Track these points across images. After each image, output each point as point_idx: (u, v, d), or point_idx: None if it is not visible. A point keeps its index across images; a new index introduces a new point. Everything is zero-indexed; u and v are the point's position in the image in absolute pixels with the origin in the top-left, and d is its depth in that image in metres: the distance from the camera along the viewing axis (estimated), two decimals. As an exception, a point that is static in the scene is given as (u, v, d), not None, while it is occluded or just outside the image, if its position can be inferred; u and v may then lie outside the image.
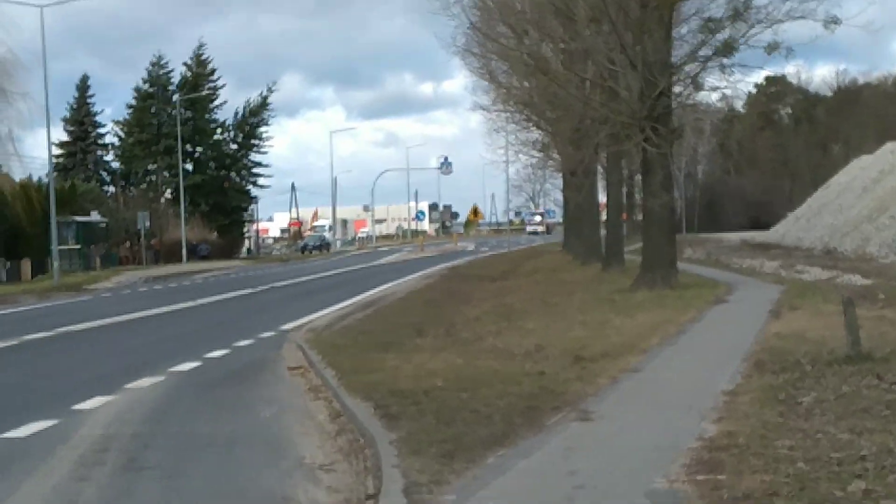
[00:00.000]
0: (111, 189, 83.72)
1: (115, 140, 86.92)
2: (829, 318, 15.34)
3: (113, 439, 10.22)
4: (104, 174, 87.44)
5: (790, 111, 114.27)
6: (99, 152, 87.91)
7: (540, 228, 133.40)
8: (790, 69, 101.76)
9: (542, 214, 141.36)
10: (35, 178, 57.60)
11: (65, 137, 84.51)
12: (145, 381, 14.11)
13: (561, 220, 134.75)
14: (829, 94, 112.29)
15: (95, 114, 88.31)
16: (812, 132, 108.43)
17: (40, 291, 41.42)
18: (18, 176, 55.88)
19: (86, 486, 8.37)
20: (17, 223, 51.72)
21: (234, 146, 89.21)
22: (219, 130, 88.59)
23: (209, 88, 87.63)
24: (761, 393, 10.12)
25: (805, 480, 6.83)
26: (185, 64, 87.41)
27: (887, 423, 8.44)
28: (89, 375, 15.27)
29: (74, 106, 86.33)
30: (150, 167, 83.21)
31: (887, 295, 19.60)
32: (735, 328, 16.49)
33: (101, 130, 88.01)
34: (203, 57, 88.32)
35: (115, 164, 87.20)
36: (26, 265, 53.77)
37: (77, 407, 12.11)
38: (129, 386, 13.72)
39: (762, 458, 7.48)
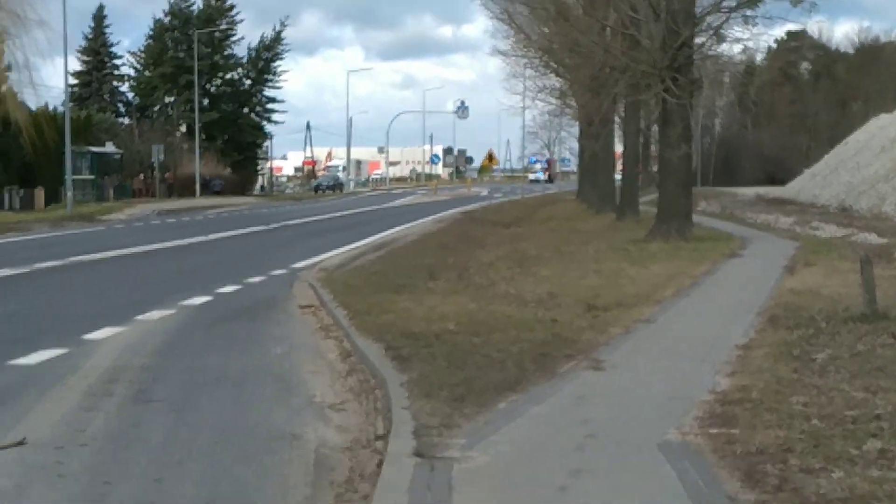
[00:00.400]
0: (126, 121, 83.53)
1: (132, 72, 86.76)
2: (844, 276, 15.28)
3: (122, 370, 10.21)
4: (120, 105, 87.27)
5: (810, 67, 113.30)
6: (115, 83, 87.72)
7: (543, 177, 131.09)
8: (812, 25, 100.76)
9: (545, 163, 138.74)
10: (51, 108, 57.40)
11: (80, 67, 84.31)
12: (156, 314, 14.10)
13: (566, 169, 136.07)
14: (851, 51, 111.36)
15: (112, 44, 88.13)
16: (832, 89, 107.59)
17: (53, 220, 41.49)
18: (34, 105, 55.65)
19: (94, 415, 8.35)
20: (32, 152, 51.61)
21: (249, 81, 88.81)
22: (236, 66, 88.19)
23: (227, 23, 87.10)
24: (775, 348, 10.05)
25: (819, 437, 6.77)
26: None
27: (902, 382, 8.37)
28: (100, 306, 15.29)
29: (90, 36, 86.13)
30: (167, 100, 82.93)
31: (903, 255, 19.49)
32: (749, 282, 16.40)
33: (118, 61, 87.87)
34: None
35: (131, 96, 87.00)
36: (40, 194, 53.82)
37: (87, 337, 12.09)
38: (139, 318, 13.72)
39: (776, 414, 7.42)
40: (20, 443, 7.38)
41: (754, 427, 7.08)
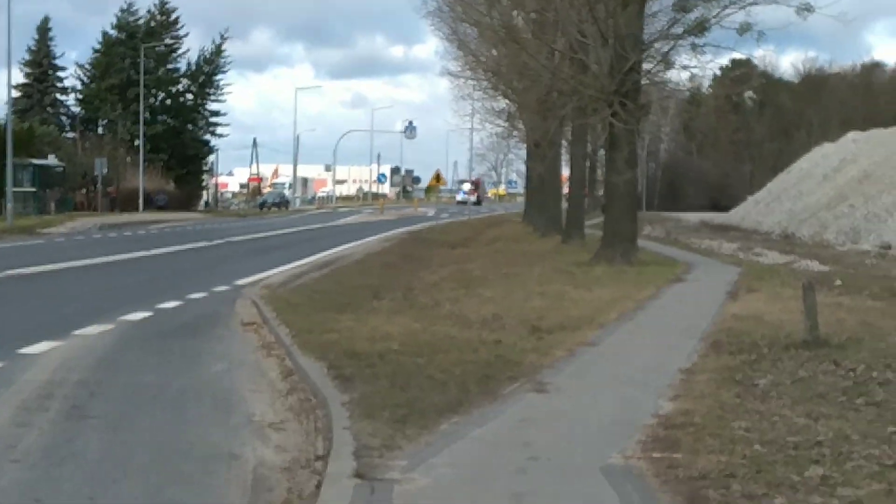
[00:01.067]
0: (70, 134, 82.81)
1: (78, 84, 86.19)
2: (786, 302, 15.38)
3: (58, 385, 10.07)
4: (63, 118, 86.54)
5: (754, 95, 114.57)
6: (58, 96, 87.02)
7: (471, 198, 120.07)
8: (758, 54, 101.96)
9: (474, 183, 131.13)
10: (-8, 119, 56.92)
11: (23, 80, 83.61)
12: (94, 329, 13.94)
13: (512, 191, 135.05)
14: (795, 80, 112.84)
15: (56, 56, 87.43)
16: (776, 117, 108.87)
17: (-8, 233, 40.95)
18: (-25, 115, 55.30)
19: (27, 431, 8.20)
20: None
21: (191, 95, 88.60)
22: (179, 80, 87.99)
23: (172, 37, 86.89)
24: (718, 373, 10.08)
25: (761, 463, 6.78)
26: (149, 11, 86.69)
27: (843, 409, 8.42)
28: (37, 320, 15.10)
29: (34, 48, 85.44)
30: (112, 114, 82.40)
31: (844, 282, 19.72)
32: (693, 307, 16.47)
33: (62, 73, 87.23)
34: (167, 5, 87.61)
35: (76, 109, 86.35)
36: (-23, 206, 53.17)
37: (22, 351, 11.91)
38: (77, 332, 13.55)
39: (718, 439, 7.42)
40: (-51, 459, 7.24)
41: (697, 451, 7.07)
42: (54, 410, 9.01)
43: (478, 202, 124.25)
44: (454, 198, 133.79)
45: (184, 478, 7.06)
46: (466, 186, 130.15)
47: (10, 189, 48.46)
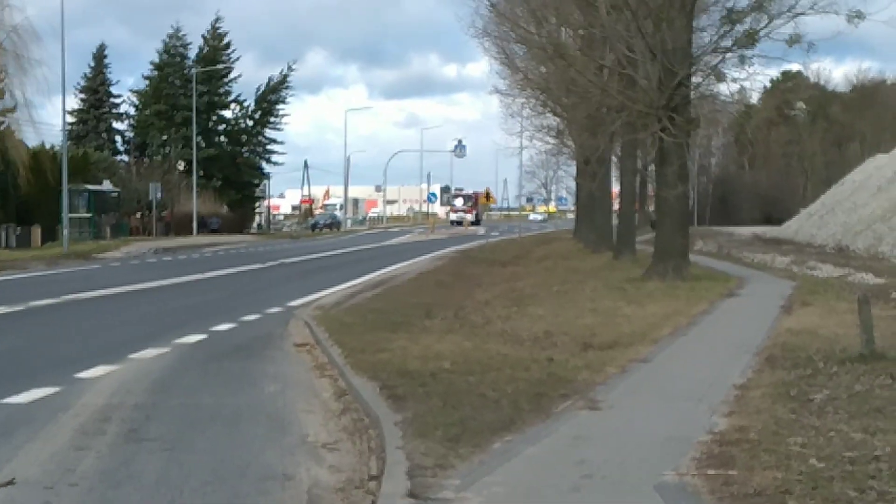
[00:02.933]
0: (124, 159, 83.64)
1: (131, 110, 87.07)
2: (841, 316, 15.25)
3: (115, 409, 10.14)
4: (118, 143, 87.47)
5: (806, 107, 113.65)
6: (113, 122, 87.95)
7: (468, 217, 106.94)
8: (812, 66, 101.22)
9: (469, 198, 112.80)
10: (48, 146, 57.55)
11: (79, 106, 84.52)
12: (150, 352, 14.04)
13: (563, 208, 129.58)
14: (848, 91, 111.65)
15: (111, 83, 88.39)
16: (828, 129, 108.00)
17: (49, 258, 41.43)
18: (32, 143, 55.88)
19: (85, 455, 8.26)
20: (29, 190, 51.67)
21: (251, 122, 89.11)
22: (233, 105, 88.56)
23: (224, 62, 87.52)
24: (773, 388, 10.00)
25: (818, 479, 6.70)
26: (202, 37, 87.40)
27: (901, 423, 8.31)
28: (94, 344, 15.22)
29: (90, 75, 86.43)
30: (165, 138, 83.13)
31: (900, 295, 19.46)
32: (746, 322, 16.34)
33: (116, 100, 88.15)
34: (220, 30, 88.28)
35: (130, 134, 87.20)
36: (36, 232, 53.83)
37: (80, 375, 12.02)
38: (133, 356, 13.65)
39: (774, 455, 7.35)
40: (9, 482, 7.31)
41: (752, 468, 7.01)
42: (111, 434, 9.07)
43: (476, 222, 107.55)
44: (505, 216, 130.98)
45: (239, 498, 7.08)
46: (459, 202, 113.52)
47: (66, 215, 49.00)
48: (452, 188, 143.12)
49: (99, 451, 8.39)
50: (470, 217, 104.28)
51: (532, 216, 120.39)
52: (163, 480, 7.53)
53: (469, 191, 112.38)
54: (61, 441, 8.75)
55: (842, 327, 13.81)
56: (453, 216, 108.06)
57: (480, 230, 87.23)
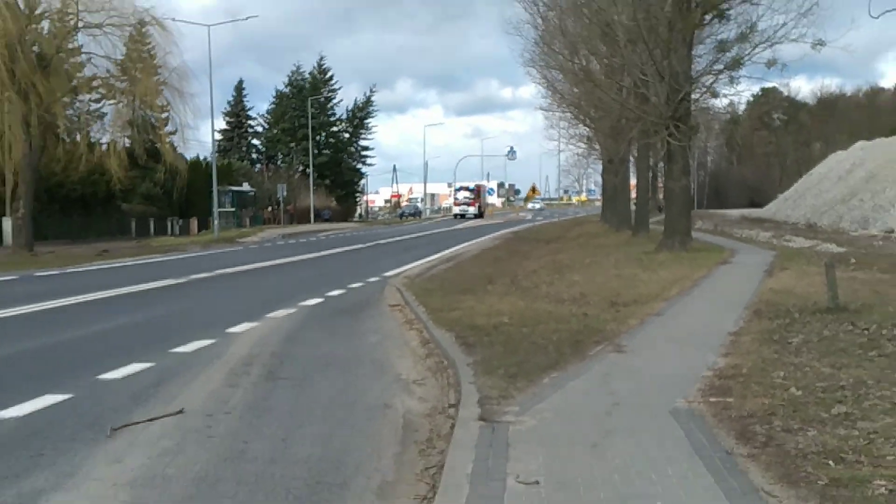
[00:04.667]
0: (258, 166, 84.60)
1: (263, 128, 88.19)
2: (812, 278, 15.00)
3: (256, 356, 10.27)
4: (253, 155, 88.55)
5: (781, 115, 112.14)
6: (250, 138, 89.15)
7: (471, 210, 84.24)
8: (786, 82, 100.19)
9: (474, 190, 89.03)
10: (202, 157, 58.40)
11: (224, 126, 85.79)
12: (281, 312, 14.20)
13: (592, 198, 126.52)
14: (812, 102, 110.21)
15: (248, 108, 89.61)
16: (798, 132, 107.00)
17: (204, 242, 42.09)
18: (190, 155, 56.78)
19: (235, 391, 8.39)
20: (189, 191, 52.47)
21: (347, 135, 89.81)
22: (337, 122, 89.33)
23: (329, 90, 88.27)
24: (759, 335, 9.87)
25: (797, 404, 6.62)
26: (310, 73, 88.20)
27: (860, 360, 8.20)
28: (239, 307, 15.41)
29: (232, 102, 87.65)
30: (288, 150, 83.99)
31: (857, 260, 19.14)
32: (737, 283, 16.13)
33: (252, 122, 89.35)
34: (324, 66, 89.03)
35: (262, 147, 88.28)
36: (194, 223, 54.79)
37: (230, 330, 12.19)
38: (268, 315, 13.82)
39: (761, 386, 7.27)
40: (179, 412, 7.43)
41: (745, 396, 6.93)
42: (254, 374, 9.19)
43: (479, 214, 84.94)
44: (547, 204, 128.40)
45: (351, 423, 7.14)
46: (462, 195, 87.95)
47: (216, 209, 49.78)
48: (506, 184, 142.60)
49: (245, 388, 8.51)
50: (473, 210, 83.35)
51: (530, 205, 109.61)
52: (294, 409, 7.62)
53: (472, 184, 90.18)
54: (217, 380, 8.89)
55: (812, 286, 13.59)
56: (456, 209, 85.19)
57: (528, 216, 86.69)
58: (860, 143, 55.44)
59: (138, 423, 7.04)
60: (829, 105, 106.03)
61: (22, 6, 35.35)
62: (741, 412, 6.47)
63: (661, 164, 43.39)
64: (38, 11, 36.03)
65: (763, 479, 5.02)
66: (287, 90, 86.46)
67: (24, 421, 7.15)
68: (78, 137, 40.85)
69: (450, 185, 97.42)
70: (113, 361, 9.61)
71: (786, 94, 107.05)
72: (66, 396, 7.96)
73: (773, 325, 10.50)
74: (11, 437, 6.62)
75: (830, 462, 5.25)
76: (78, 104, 41.34)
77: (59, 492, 5.40)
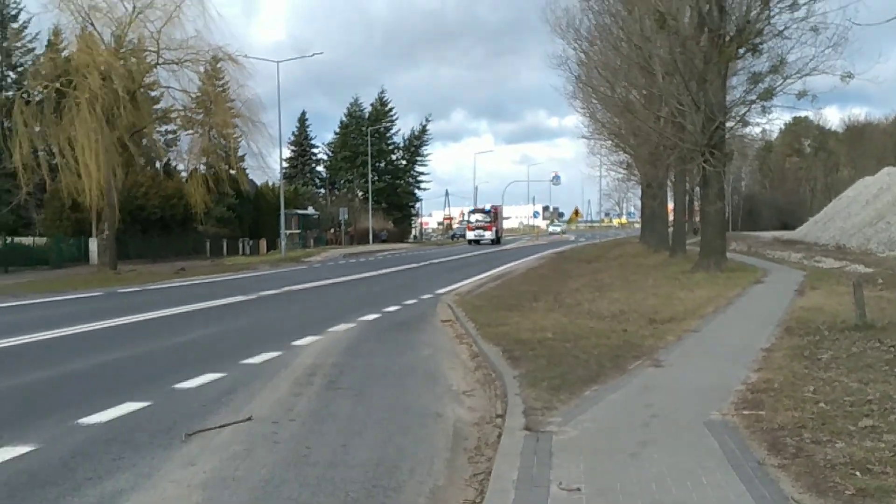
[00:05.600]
0: (322, 191, 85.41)
1: (324, 157, 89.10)
2: (840, 297, 14.74)
3: (319, 367, 10.34)
4: (316, 180, 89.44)
5: (811, 142, 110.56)
6: (314, 165, 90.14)
7: (487, 234, 70.37)
8: (816, 110, 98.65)
9: (490, 212, 73.50)
10: (270, 183, 59.09)
11: (290, 154, 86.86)
12: (342, 327, 14.29)
13: (631, 220, 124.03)
14: (841, 130, 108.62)
15: (312, 138, 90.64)
16: (827, 159, 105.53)
17: (272, 262, 42.50)
18: (260, 181, 57.42)
19: (299, 399, 8.46)
20: (258, 214, 53.16)
21: (404, 162, 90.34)
22: (394, 150, 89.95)
23: (388, 121, 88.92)
24: (790, 350, 9.71)
25: (825, 417, 6.50)
26: (371, 104, 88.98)
27: (887, 375, 8.03)
28: (303, 321, 15.54)
29: (297, 132, 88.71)
30: (349, 176, 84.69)
31: (885, 280, 18.77)
32: (770, 302, 15.88)
33: (315, 150, 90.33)
34: (384, 98, 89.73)
35: (325, 174, 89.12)
36: (263, 243, 55.40)
37: (295, 343, 12.31)
38: (330, 329, 13.91)
39: (792, 399, 7.15)
40: (248, 419, 7.51)
41: (776, 409, 6.82)
42: (317, 384, 9.25)
43: (496, 240, 71.52)
44: (589, 227, 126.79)
45: (406, 430, 7.15)
46: (477, 218, 72.26)
47: (283, 231, 50.35)
48: (551, 207, 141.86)
49: (309, 397, 8.58)
50: (489, 235, 69.51)
51: (551, 228, 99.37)
52: (352, 416, 7.66)
53: (487, 205, 75.26)
54: (283, 389, 8.96)
55: (841, 305, 13.34)
56: (470, 234, 71.12)
57: (571, 237, 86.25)
58: (887, 169, 54.45)
59: (211, 429, 7.13)
60: (857, 132, 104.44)
61: (109, 44, 36.22)
62: (772, 424, 6.37)
63: (697, 189, 43.00)
64: (123, 49, 36.86)
65: (793, 488, 4.94)
66: (348, 120, 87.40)
67: (107, 426, 7.28)
68: (157, 164, 41.67)
69: (471, 213, 78.41)
70: (188, 372, 9.75)
71: (816, 122, 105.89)
72: (144, 404, 8.10)
73: (804, 341, 10.32)
74: (95, 442, 6.74)
75: (857, 473, 5.15)
76: (157, 134, 42.17)
77: (138, 492, 5.49)
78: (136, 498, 5.38)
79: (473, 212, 75.32)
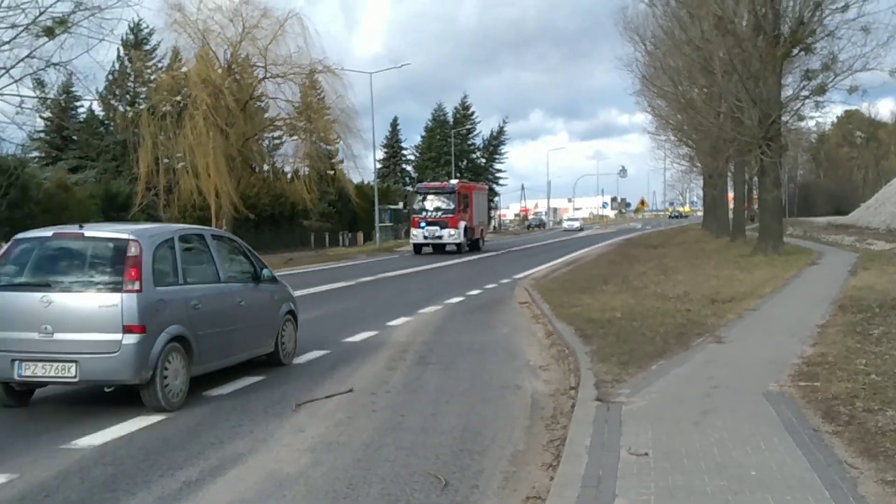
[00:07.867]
0: (410, 188, 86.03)
1: (412, 157, 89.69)
2: (891, 276, 14.27)
3: (411, 344, 10.47)
4: (406, 178, 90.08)
5: (862, 133, 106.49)
6: (403, 165, 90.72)
7: (446, 234, 35.76)
8: (867, 104, 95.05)
9: (453, 194, 36.49)
10: (366, 181, 59.80)
11: (382, 156, 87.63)
12: (430, 308, 14.42)
13: (694, 208, 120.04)
14: (891, 121, 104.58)
15: (401, 140, 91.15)
16: (877, 148, 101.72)
17: (368, 252, 42.97)
18: (356, 180, 58.19)
19: (394, 373, 8.58)
20: (356, 210, 53.78)
21: (484, 160, 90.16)
22: (475, 150, 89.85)
23: (470, 124, 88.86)
24: (844, 326, 9.43)
25: (877, 388, 6.31)
26: (454, 108, 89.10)
27: (938, 350, 7.70)
28: (397, 304, 15.68)
29: (389, 135, 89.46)
30: (434, 175, 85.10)
31: (938, 260, 17.97)
32: (824, 282, 15.40)
33: (405, 151, 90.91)
34: (466, 103, 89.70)
35: (413, 173, 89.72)
36: (360, 235, 56.06)
37: (390, 323, 12.47)
38: (420, 311, 14.05)
39: (845, 372, 6.95)
40: (349, 391, 7.65)
41: (830, 381, 6.64)
42: (409, 359, 9.37)
43: (472, 243, 38.33)
44: (654, 216, 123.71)
45: (488, 400, 7.20)
46: (432, 203, 37.32)
47: (377, 224, 50.83)
48: (618, 198, 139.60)
49: (402, 371, 8.69)
50: (451, 235, 36.63)
51: (566, 224, 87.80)
52: (441, 388, 7.74)
53: (451, 181, 40.69)
54: (380, 364, 9.10)
55: (891, 284, 12.91)
56: (415, 234, 38.11)
57: (638, 226, 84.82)
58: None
59: (317, 399, 7.29)
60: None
61: (223, 61, 37.12)
62: (827, 395, 6.20)
63: (755, 178, 41.85)
64: (234, 65, 37.71)
65: (846, 453, 4.81)
66: (433, 124, 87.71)
67: (228, 397, 7.50)
68: (266, 167, 42.55)
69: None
70: (298, 349, 9.97)
71: (868, 115, 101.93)
72: (260, 378, 8.32)
73: (857, 318, 10.01)
74: (216, 411, 6.96)
75: (909, 440, 4.98)
76: (264, 140, 43.02)
77: (255, 455, 5.65)
78: (255, 459, 5.54)
79: (422, 191, 39.19)
